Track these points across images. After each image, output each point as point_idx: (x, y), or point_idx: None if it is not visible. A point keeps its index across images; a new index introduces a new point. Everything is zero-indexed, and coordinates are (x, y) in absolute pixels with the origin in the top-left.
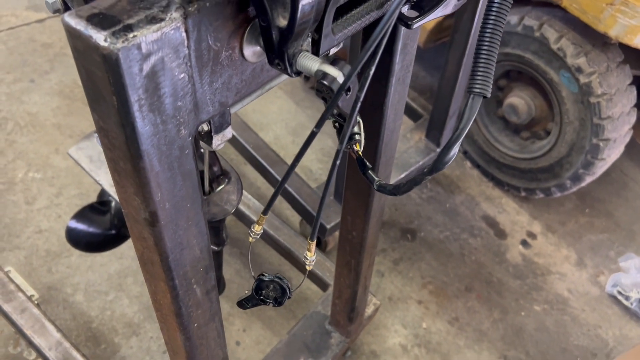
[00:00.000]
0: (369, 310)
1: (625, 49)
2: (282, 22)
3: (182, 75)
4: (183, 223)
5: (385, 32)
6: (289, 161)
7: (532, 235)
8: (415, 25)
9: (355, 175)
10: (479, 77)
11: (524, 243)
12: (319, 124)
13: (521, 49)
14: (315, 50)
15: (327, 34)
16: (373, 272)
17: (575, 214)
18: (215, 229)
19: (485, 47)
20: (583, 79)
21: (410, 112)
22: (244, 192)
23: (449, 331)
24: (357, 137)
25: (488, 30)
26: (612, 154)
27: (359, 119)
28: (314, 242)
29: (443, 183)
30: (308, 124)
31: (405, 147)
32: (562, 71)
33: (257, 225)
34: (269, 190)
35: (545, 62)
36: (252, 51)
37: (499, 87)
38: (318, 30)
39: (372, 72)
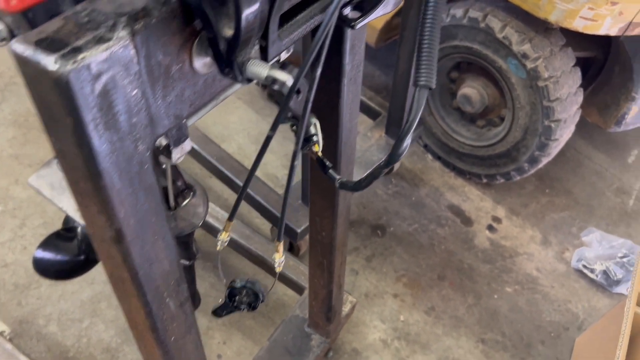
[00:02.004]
0: (346, 308)
1: (566, 32)
2: (228, 32)
3: (134, 92)
4: (149, 237)
5: (326, 34)
6: (269, 169)
7: (497, 219)
8: (358, 26)
9: (319, 177)
10: (423, 70)
11: (490, 228)
12: (274, 127)
13: (469, 41)
14: (264, 57)
15: (274, 40)
16: (347, 271)
17: (536, 195)
18: (185, 243)
19: (425, 42)
20: (530, 65)
21: (368, 111)
22: (212, 205)
23: (427, 321)
24: (314, 138)
25: (427, 26)
26: (564, 134)
27: (315, 120)
28: (282, 243)
29: (407, 177)
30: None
31: (366, 145)
32: (510, 59)
33: (224, 232)
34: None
35: (492, 51)
36: (203, 62)
37: (451, 79)
38: (265, 37)
39: (318, 74)
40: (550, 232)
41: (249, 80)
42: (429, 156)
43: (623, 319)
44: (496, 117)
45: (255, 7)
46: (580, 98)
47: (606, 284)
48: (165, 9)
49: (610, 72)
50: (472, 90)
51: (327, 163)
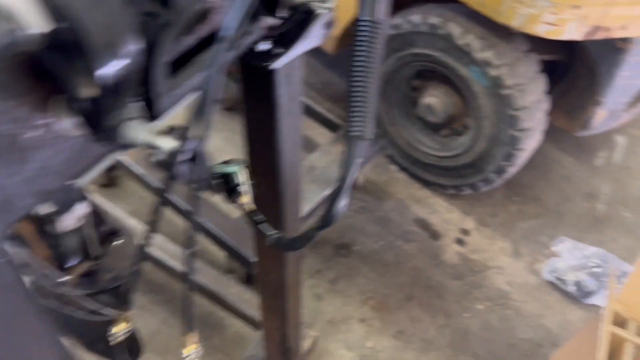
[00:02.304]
0: (307, 344)
1: (530, 36)
2: (86, 92)
3: None
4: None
5: (208, 90)
6: None
7: (465, 232)
8: (274, 66)
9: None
10: (356, 118)
11: (459, 241)
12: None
13: (429, 48)
14: (152, 115)
15: (161, 92)
16: (309, 296)
17: (505, 204)
18: (119, 294)
19: (358, 86)
20: (492, 72)
21: (327, 123)
22: (161, 236)
23: (396, 346)
24: (239, 188)
25: (359, 64)
26: (531, 142)
27: (236, 168)
28: (192, 335)
29: (372, 191)
30: (225, 147)
31: (327, 161)
32: (472, 66)
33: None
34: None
35: (453, 58)
36: (70, 123)
37: (413, 87)
38: (149, 90)
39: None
40: (521, 243)
41: (127, 147)
42: (393, 167)
43: (598, 339)
44: (460, 126)
45: (117, 63)
46: (546, 105)
47: (579, 296)
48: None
49: (575, 75)
50: (434, 99)
51: (257, 218)
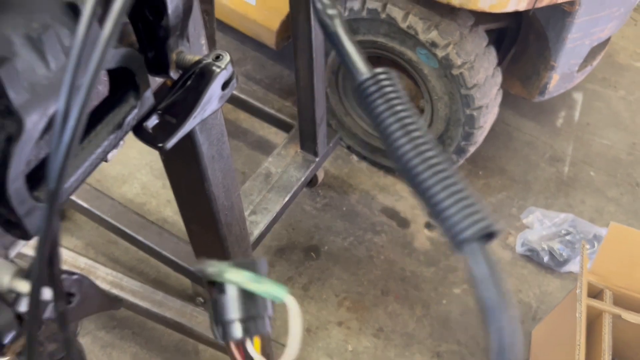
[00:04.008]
0: None
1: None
2: None
3: None
4: None
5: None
6: (165, 210)
7: None
8: (169, 145)
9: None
10: (455, 213)
11: (428, 226)
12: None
13: (372, 34)
14: (22, 235)
15: (30, 208)
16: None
17: (471, 179)
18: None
19: (418, 164)
20: (440, 53)
21: (279, 123)
22: (117, 273)
23: (377, 345)
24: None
25: (403, 142)
26: (488, 119)
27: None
28: None
29: (334, 185)
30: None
31: (283, 165)
32: (418, 49)
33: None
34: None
35: (399, 42)
36: None
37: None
38: (9, 209)
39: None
40: None
41: None
42: (354, 157)
43: (577, 314)
44: (415, 109)
45: None
46: (499, 79)
47: (554, 265)
48: None
49: (525, 41)
50: None
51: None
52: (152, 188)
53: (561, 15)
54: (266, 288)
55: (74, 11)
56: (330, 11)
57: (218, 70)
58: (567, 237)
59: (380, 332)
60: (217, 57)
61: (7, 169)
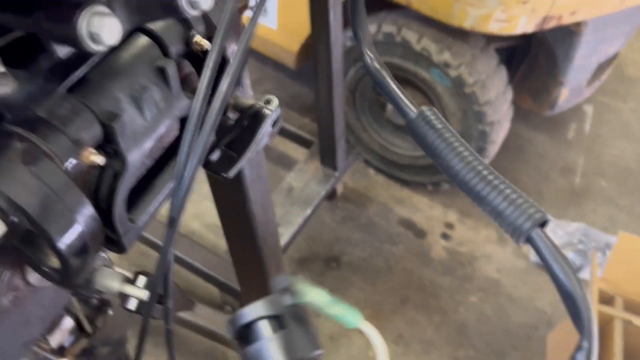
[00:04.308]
0: None
1: None
2: (54, 263)
3: None
4: None
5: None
6: (192, 224)
7: (449, 225)
8: (231, 174)
9: (245, 266)
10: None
11: (445, 236)
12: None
13: (388, 56)
14: (118, 250)
15: (127, 229)
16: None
17: None
18: None
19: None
20: (453, 73)
21: (299, 140)
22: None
23: (396, 351)
24: None
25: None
26: (499, 134)
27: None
28: None
29: (352, 198)
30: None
31: (304, 180)
32: (432, 69)
33: None
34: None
35: (413, 63)
36: (42, 279)
37: (378, 92)
38: (112, 230)
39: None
40: None
41: (101, 292)
42: (371, 171)
43: None
44: None
45: (73, 228)
46: (510, 95)
47: None
48: None
49: (535, 58)
50: None
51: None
52: None
53: (568, 35)
54: (343, 312)
55: (163, 73)
56: (377, 64)
57: (269, 112)
58: (580, 246)
59: (399, 339)
60: (267, 101)
61: (114, 199)
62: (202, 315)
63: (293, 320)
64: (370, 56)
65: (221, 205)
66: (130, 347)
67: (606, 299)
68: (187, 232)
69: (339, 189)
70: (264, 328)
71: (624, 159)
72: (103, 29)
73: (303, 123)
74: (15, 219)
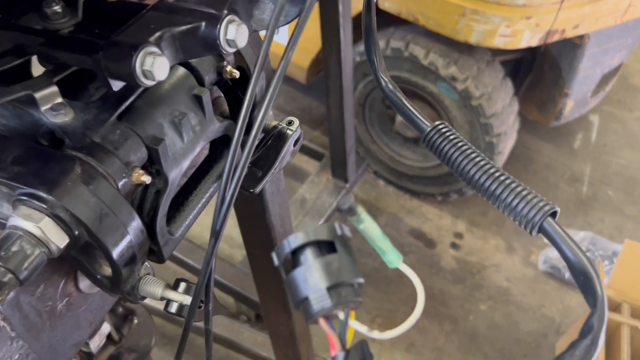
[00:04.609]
0: None
1: None
2: (107, 271)
3: (17, 356)
4: None
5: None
6: (207, 236)
7: (459, 235)
8: (258, 190)
9: (263, 276)
10: (527, 202)
11: (454, 246)
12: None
13: (396, 70)
14: (158, 260)
15: (166, 241)
16: None
17: None
18: None
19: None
20: (459, 86)
21: (311, 153)
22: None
23: (408, 359)
24: None
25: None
26: (507, 145)
27: None
28: None
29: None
30: None
31: (316, 192)
32: (439, 82)
33: None
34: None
35: (421, 77)
36: (90, 283)
37: (387, 106)
38: (154, 241)
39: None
40: (513, 238)
41: (144, 298)
42: (381, 182)
43: None
44: None
45: (125, 240)
46: (516, 107)
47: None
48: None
49: (540, 70)
50: None
51: None
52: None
53: (572, 48)
54: (389, 249)
55: (198, 100)
56: (391, 86)
57: (291, 133)
58: (587, 254)
59: (411, 347)
60: (289, 122)
61: (156, 214)
62: (219, 324)
63: (341, 247)
64: (384, 80)
65: (242, 216)
66: (154, 355)
67: (613, 306)
68: (203, 244)
69: (351, 200)
70: (309, 253)
71: (631, 168)
72: (154, 66)
73: (313, 136)
74: (77, 232)
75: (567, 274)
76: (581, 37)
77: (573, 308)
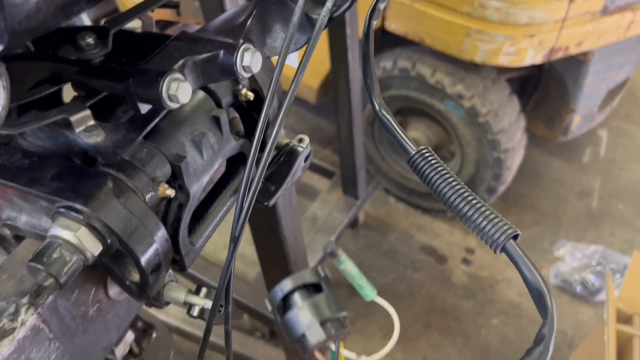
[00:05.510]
0: None
1: None
2: (135, 277)
3: (53, 356)
4: None
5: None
6: (221, 254)
7: (470, 250)
8: (271, 203)
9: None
10: (491, 224)
11: (465, 261)
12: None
13: (404, 89)
14: (180, 269)
15: (188, 251)
16: None
17: (503, 215)
18: None
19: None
20: (466, 104)
21: (322, 171)
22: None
23: None
24: None
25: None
26: (514, 161)
27: None
28: None
29: (374, 226)
30: None
31: (327, 209)
32: (446, 100)
33: None
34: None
35: (428, 96)
36: (118, 290)
37: None
38: (177, 251)
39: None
40: None
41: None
42: (392, 199)
43: (604, 343)
44: (447, 153)
45: (152, 248)
46: (523, 123)
47: (587, 295)
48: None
49: (546, 87)
50: (417, 133)
51: None
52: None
53: (577, 64)
54: (366, 285)
55: (217, 121)
56: (384, 110)
57: (302, 149)
58: (598, 268)
59: None
60: (300, 140)
61: (179, 225)
62: (234, 340)
63: (326, 287)
64: (378, 103)
65: (256, 231)
66: None
67: (624, 319)
68: (218, 261)
69: (361, 217)
70: (298, 296)
71: None
72: (179, 91)
73: (324, 155)
74: (109, 240)
75: (579, 288)
76: (585, 53)
77: (585, 322)
